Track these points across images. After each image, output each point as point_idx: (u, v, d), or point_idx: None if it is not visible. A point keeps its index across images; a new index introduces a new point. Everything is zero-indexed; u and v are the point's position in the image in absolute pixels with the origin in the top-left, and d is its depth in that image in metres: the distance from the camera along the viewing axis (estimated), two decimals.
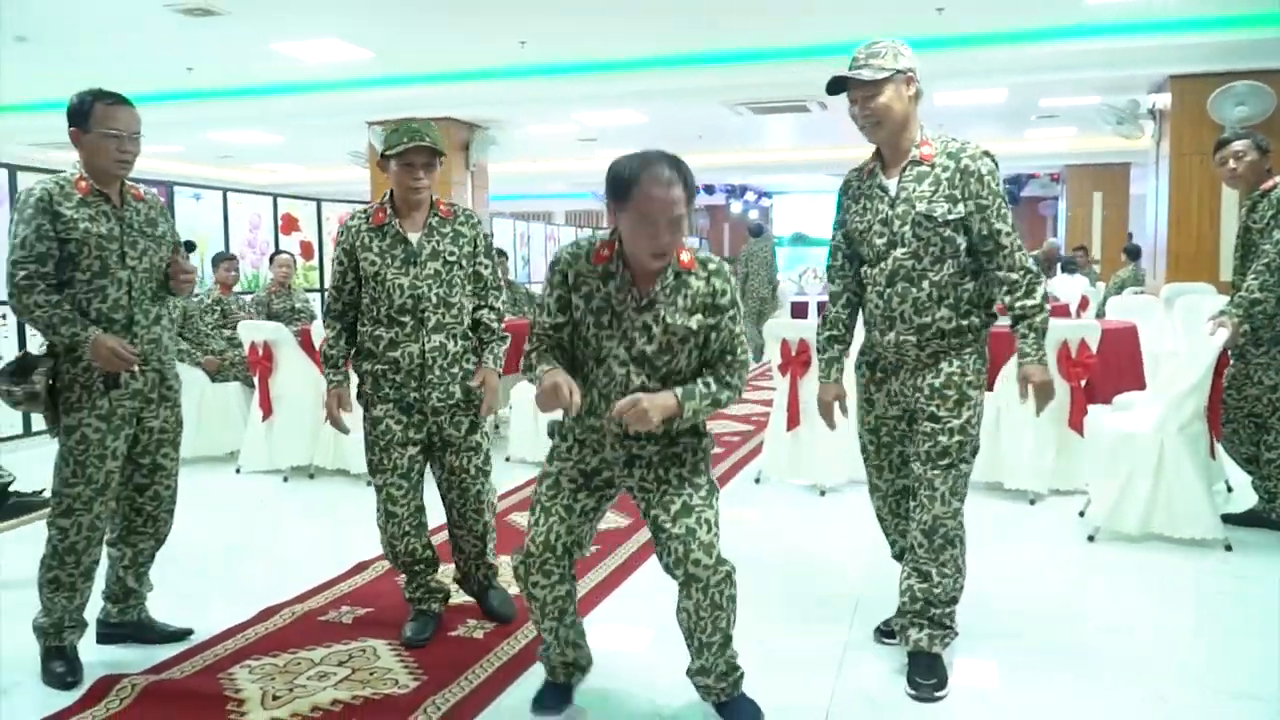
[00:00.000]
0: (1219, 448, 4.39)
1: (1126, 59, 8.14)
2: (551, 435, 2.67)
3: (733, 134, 13.56)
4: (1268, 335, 4.14)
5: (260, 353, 5.84)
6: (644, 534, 4.48)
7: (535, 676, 2.98)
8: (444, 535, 3.45)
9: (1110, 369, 5.30)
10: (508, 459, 6.06)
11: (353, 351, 3.25)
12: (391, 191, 3.19)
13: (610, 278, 2.45)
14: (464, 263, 3.21)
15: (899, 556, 3.16)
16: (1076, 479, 4.92)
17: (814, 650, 3.16)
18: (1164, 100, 8.73)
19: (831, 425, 3.12)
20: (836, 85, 2.79)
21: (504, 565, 3.64)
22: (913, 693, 2.81)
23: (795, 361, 5.23)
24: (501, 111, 10.79)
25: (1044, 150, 15.08)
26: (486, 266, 3.31)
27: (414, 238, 3.15)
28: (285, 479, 5.78)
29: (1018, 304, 2.79)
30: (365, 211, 3.20)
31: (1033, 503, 4.86)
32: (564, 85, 9.68)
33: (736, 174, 18.96)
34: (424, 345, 3.13)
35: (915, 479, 2.86)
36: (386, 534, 3.23)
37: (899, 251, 2.79)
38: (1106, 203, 15.98)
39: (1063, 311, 8.24)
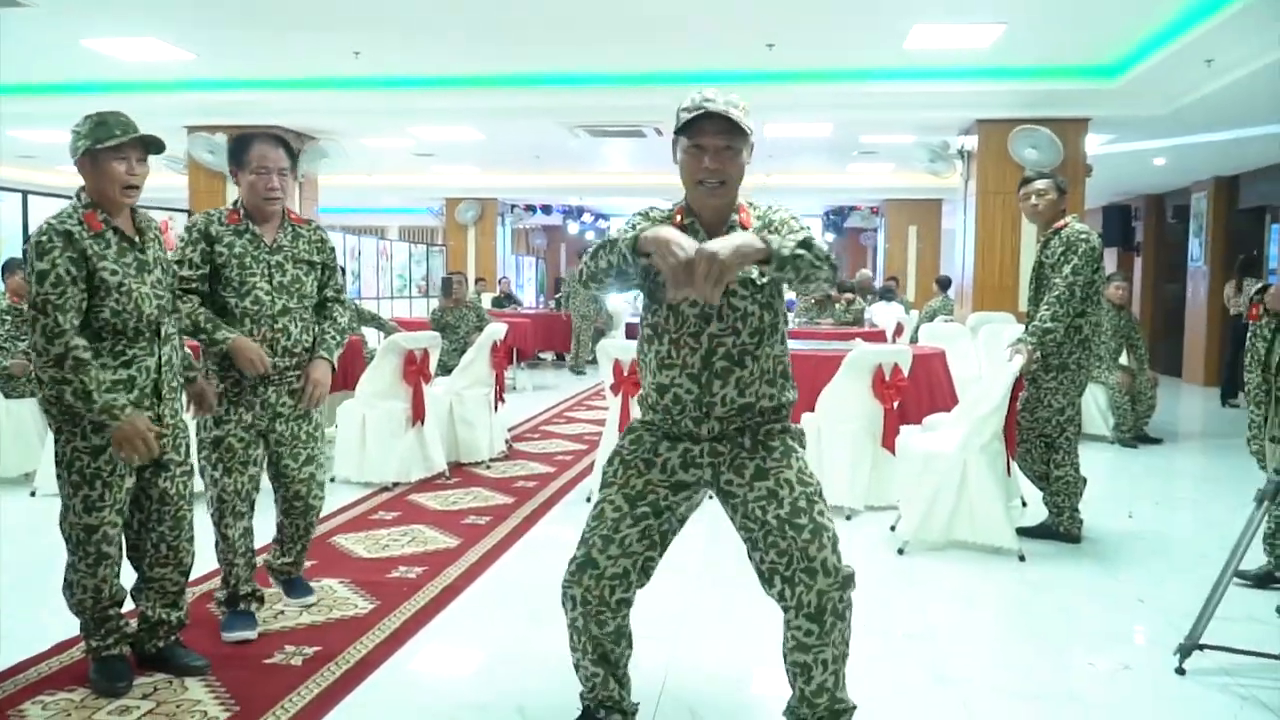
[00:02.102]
0: (1014, 465, 4.71)
1: (939, 102, 8.66)
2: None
3: (570, 155, 13.62)
4: (1056, 362, 4.49)
5: None
6: (471, 556, 4.44)
7: (354, 705, 2.91)
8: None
9: (921, 392, 5.62)
10: (332, 479, 5.88)
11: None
12: (83, 190, 2.87)
13: (241, 234, 3.33)
14: (170, 271, 3.04)
15: (614, 638, 2.53)
16: (889, 495, 5.17)
17: (638, 666, 3.20)
18: (971, 142, 9.34)
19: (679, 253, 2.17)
20: (700, 118, 2.33)
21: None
22: None
23: (627, 381, 5.29)
24: (333, 121, 10.48)
25: (865, 184, 15.83)
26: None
27: (138, 241, 2.93)
28: None
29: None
30: (73, 215, 2.81)
31: (849, 518, 5.08)
32: (399, 98, 9.49)
33: (574, 195, 19.05)
34: (160, 359, 2.91)
35: (774, 559, 2.35)
36: (95, 578, 2.88)
37: (717, 326, 2.40)
38: (921, 235, 16.92)
39: (879, 337, 8.67)
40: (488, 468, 6.43)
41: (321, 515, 4.98)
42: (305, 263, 3.46)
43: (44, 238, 2.74)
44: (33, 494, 5.54)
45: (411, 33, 7.58)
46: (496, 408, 6.80)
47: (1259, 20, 5.88)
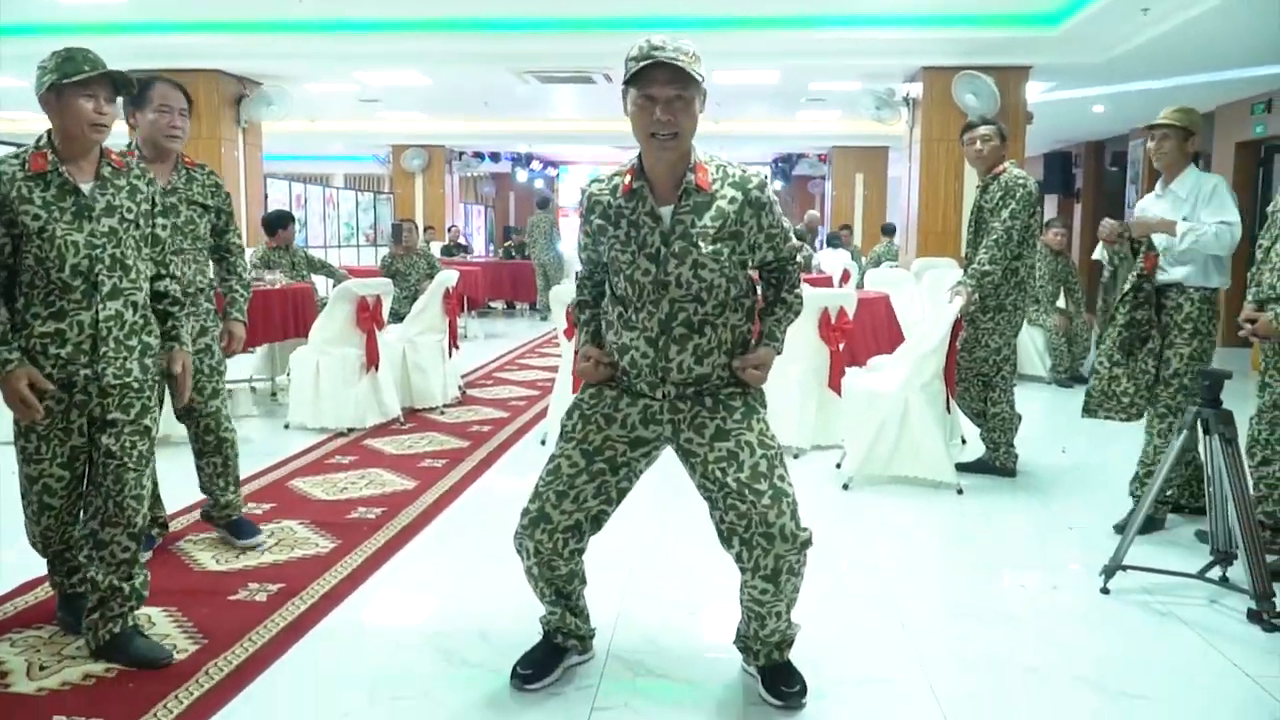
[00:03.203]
0: (954, 403, 4.89)
1: (884, 49, 8.73)
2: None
3: (519, 102, 13.49)
4: (993, 303, 4.66)
5: None
6: (429, 497, 4.53)
7: (319, 637, 3.00)
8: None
9: (866, 335, 5.79)
10: (286, 426, 5.92)
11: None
12: (50, 134, 2.74)
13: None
14: (141, 222, 2.82)
15: (566, 578, 2.64)
16: (835, 435, 5.33)
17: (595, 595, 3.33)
18: (917, 90, 9.45)
19: (603, 376, 2.54)
20: (649, 67, 2.28)
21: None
22: (780, 703, 2.57)
23: None
24: (276, 66, 10.30)
25: (813, 131, 15.89)
26: (164, 229, 2.94)
27: (86, 188, 2.73)
28: None
29: (792, 295, 2.57)
30: (19, 156, 2.71)
31: (796, 457, 5.24)
32: (344, 42, 9.33)
33: (523, 142, 18.88)
34: (98, 314, 2.71)
35: (733, 520, 2.40)
36: (40, 527, 2.86)
37: (677, 292, 2.39)
38: (868, 183, 17.07)
39: (825, 283, 8.82)
40: (442, 413, 6.49)
41: (279, 460, 5.09)
42: (199, 205, 3.63)
43: None
44: None
45: None
46: (450, 354, 6.86)
47: None
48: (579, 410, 2.56)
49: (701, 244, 2.36)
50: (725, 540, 2.46)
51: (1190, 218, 3.86)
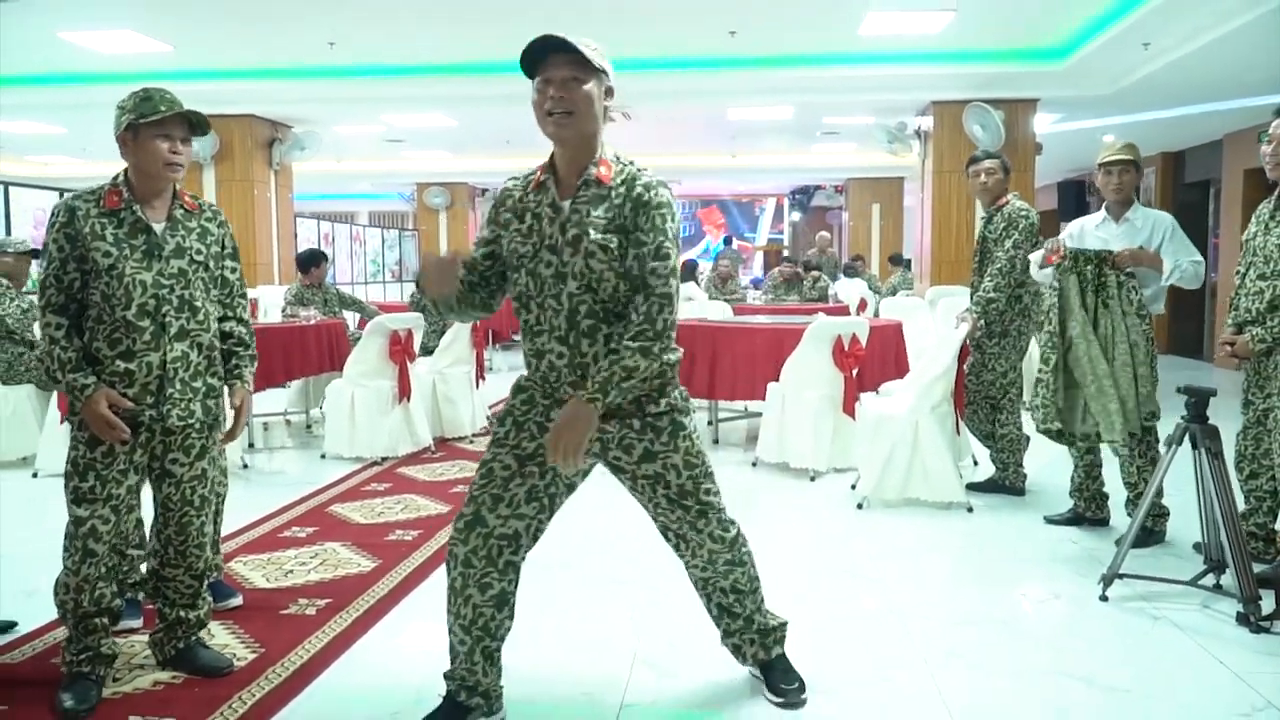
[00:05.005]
0: (963, 425, 5.09)
1: (893, 85, 9.02)
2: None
3: (540, 140, 13.69)
4: (998, 329, 4.88)
5: None
6: None
7: (366, 647, 3.23)
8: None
9: (878, 361, 5.99)
10: (323, 456, 6.18)
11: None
12: (126, 172, 2.80)
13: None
14: (210, 264, 2.87)
15: (496, 603, 2.54)
16: (851, 458, 5.52)
17: (608, 616, 3.54)
18: (927, 123, 9.71)
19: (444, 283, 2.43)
20: (539, 52, 2.30)
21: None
22: (779, 700, 2.74)
23: None
24: (307, 110, 10.71)
25: (829, 164, 16.21)
26: (235, 271, 2.99)
27: (158, 228, 2.77)
28: None
29: (626, 343, 2.30)
30: (94, 193, 2.77)
31: (813, 479, 5.45)
32: (372, 87, 9.73)
33: None
34: (165, 355, 2.75)
35: (664, 523, 2.62)
36: (78, 576, 2.75)
37: (573, 285, 2.35)
38: (884, 213, 17.34)
39: (843, 311, 9.04)
40: (471, 442, 6.73)
41: (317, 487, 5.33)
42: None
43: (53, 212, 2.73)
44: (34, 475, 5.77)
45: (383, 22, 7.82)
46: (478, 385, 7.11)
47: (1189, 5, 6.27)
48: (511, 417, 2.52)
49: (591, 231, 2.33)
50: (663, 535, 2.68)
51: (1147, 247, 4.10)
